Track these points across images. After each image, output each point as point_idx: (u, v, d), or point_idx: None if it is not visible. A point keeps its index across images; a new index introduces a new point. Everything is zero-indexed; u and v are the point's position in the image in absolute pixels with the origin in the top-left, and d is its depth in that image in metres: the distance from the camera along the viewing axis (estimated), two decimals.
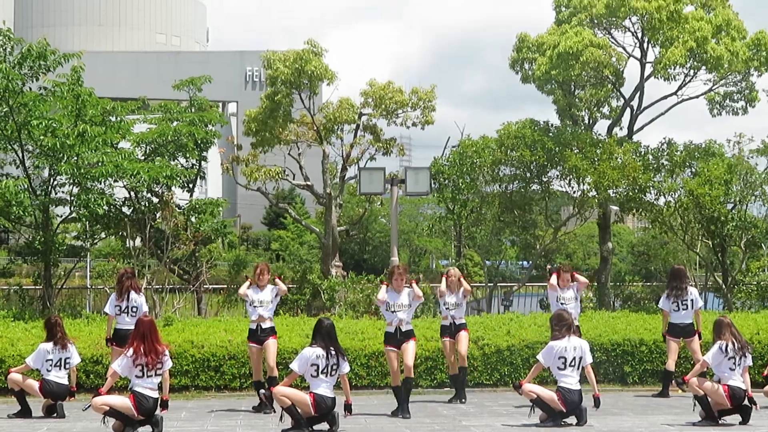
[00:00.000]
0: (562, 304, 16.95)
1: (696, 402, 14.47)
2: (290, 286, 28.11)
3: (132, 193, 25.89)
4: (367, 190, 27.40)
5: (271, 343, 16.26)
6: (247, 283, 16.42)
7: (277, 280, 16.56)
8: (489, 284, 29.17)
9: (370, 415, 15.39)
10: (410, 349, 15.56)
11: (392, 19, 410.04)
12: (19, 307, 24.25)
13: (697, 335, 17.88)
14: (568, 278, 17.32)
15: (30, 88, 25.02)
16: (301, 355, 13.78)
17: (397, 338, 15.55)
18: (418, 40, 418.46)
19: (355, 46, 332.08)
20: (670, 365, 17.86)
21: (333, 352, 13.69)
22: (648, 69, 29.45)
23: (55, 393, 15.64)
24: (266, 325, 16.23)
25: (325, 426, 13.67)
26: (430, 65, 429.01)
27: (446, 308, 17.18)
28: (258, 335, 16.17)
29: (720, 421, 14.34)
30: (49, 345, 15.79)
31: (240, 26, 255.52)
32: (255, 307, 16.19)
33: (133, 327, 14.31)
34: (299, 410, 13.50)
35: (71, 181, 24.19)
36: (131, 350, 13.50)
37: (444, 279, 17.34)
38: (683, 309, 17.72)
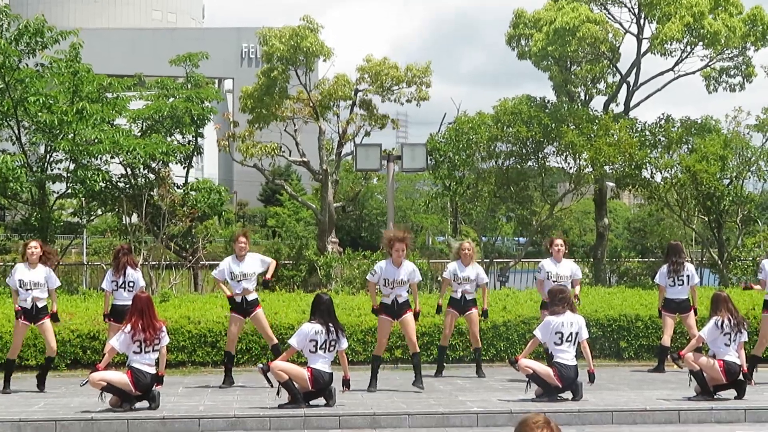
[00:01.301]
0: (554, 282, 16.85)
1: (691, 377, 14.52)
2: (286, 262, 28.16)
3: (128, 170, 25.89)
4: (363, 167, 27.44)
5: (260, 314, 16.11)
6: (226, 261, 16.29)
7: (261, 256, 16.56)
8: (485, 260, 29.20)
9: (367, 390, 15.41)
10: (410, 323, 15.48)
11: None
12: None
13: (692, 311, 17.89)
14: (561, 248, 17.31)
15: (27, 65, 25.01)
16: (300, 330, 13.80)
17: (393, 309, 15.37)
18: (417, 17, 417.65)
19: (353, 24, 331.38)
20: (666, 341, 17.88)
21: (332, 328, 13.72)
22: (645, 45, 29.45)
23: (29, 313, 15.60)
24: (251, 297, 16.04)
25: (321, 401, 13.72)
26: (429, 42, 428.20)
27: (457, 283, 17.03)
28: (244, 308, 16.04)
29: (715, 396, 14.40)
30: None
31: (236, 3, 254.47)
32: (239, 281, 16.04)
33: (130, 302, 14.32)
34: (297, 385, 13.54)
35: (68, 157, 24.19)
36: (129, 326, 13.52)
37: (458, 251, 17.22)
38: (679, 284, 17.72)
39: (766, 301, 16.45)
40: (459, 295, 16.97)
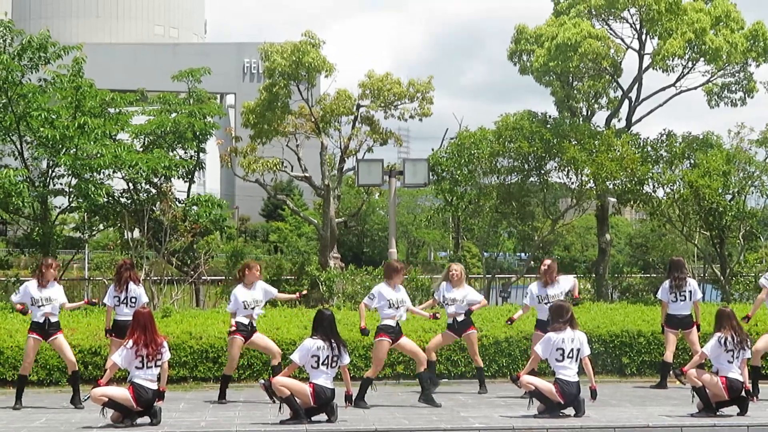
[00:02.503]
0: (546, 303, 16.72)
1: (694, 393, 14.50)
2: (288, 277, 28.13)
3: (130, 185, 25.90)
4: (365, 182, 27.50)
5: (261, 334, 16.43)
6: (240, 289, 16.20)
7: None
8: (487, 276, 29.17)
9: (369, 405, 15.38)
10: (409, 342, 15.78)
11: (394, 10, 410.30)
12: None
13: (695, 327, 17.86)
14: (553, 274, 17.04)
15: (29, 80, 25.05)
16: (302, 346, 13.80)
17: (396, 331, 15.60)
18: (419, 31, 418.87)
19: (356, 37, 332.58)
20: (668, 357, 17.85)
21: (334, 344, 13.72)
22: (646, 60, 29.49)
23: (41, 327, 15.61)
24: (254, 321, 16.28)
25: (323, 417, 13.69)
26: (431, 56, 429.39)
27: (446, 303, 16.90)
28: (249, 330, 16.10)
29: (718, 413, 14.38)
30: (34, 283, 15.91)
31: (238, 18, 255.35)
32: (253, 308, 16.08)
33: (131, 318, 14.29)
34: (298, 401, 13.52)
35: (70, 172, 24.21)
36: (131, 342, 13.52)
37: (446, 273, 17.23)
38: (681, 300, 17.69)
39: None
40: (451, 319, 16.88)
